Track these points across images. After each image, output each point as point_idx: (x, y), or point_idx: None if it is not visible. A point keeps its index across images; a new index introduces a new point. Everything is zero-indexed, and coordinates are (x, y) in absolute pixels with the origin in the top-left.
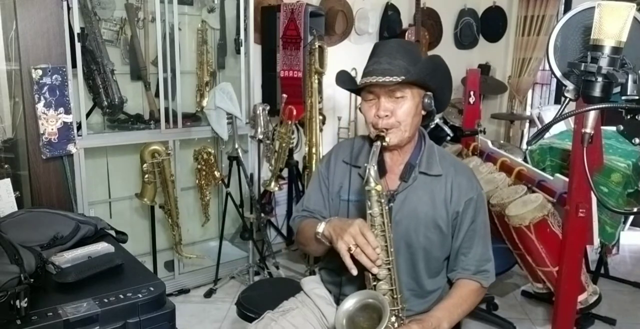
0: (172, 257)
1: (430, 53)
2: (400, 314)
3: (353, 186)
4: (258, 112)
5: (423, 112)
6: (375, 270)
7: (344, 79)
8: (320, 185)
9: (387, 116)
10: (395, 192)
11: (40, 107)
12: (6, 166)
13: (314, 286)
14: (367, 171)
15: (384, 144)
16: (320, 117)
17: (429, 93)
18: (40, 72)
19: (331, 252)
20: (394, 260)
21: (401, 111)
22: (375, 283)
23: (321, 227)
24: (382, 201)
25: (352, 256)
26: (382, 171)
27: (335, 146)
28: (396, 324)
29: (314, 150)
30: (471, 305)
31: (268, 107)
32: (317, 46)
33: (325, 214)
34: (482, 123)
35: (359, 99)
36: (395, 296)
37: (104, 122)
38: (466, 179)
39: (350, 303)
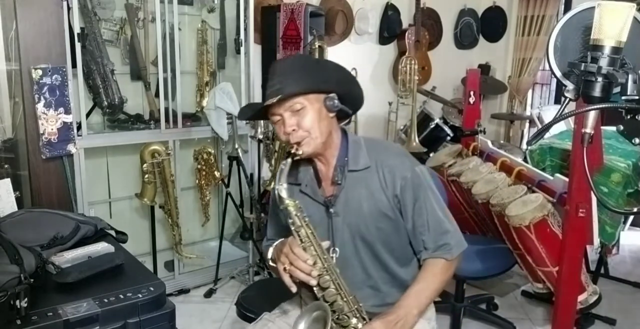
0: (172, 257)
1: (430, 53)
2: (360, 314)
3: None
4: None
5: (331, 114)
6: (313, 282)
7: (247, 112)
8: (276, 211)
9: (294, 130)
10: (331, 197)
11: (40, 107)
12: (6, 166)
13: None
14: (277, 191)
15: (295, 158)
16: None
17: (331, 95)
18: (40, 72)
19: None
20: (332, 266)
21: (305, 121)
22: (322, 293)
23: (270, 253)
24: (299, 214)
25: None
26: (318, 180)
27: None
28: (360, 325)
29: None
30: (440, 283)
31: None
32: (317, 46)
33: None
34: (482, 123)
35: None
36: (345, 299)
37: (104, 122)
38: (397, 160)
39: (301, 324)
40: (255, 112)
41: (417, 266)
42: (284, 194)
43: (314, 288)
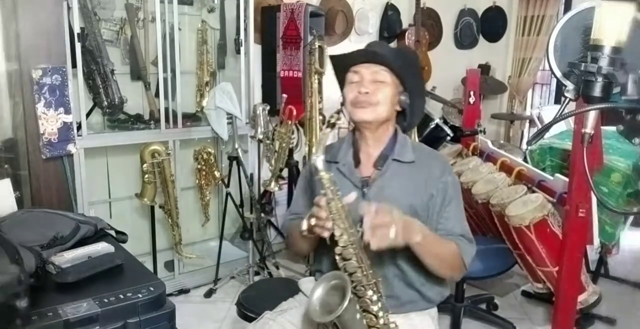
0: (172, 257)
1: (430, 53)
2: (376, 288)
3: None
4: (258, 112)
5: (397, 108)
6: (325, 234)
7: (338, 56)
8: (305, 187)
9: (367, 93)
10: (368, 178)
11: (40, 107)
12: (6, 166)
13: (311, 286)
14: (314, 162)
15: (336, 127)
16: (320, 117)
17: (406, 92)
18: (40, 72)
19: (319, 254)
20: (357, 240)
21: (381, 93)
22: (344, 263)
23: (304, 225)
24: (332, 188)
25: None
26: (357, 160)
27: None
28: (375, 297)
29: (313, 150)
30: (447, 253)
31: (268, 107)
32: (317, 46)
33: None
34: (482, 123)
35: None
36: (365, 273)
37: (104, 122)
38: (440, 163)
39: (319, 290)
40: (343, 59)
41: (428, 271)
42: (319, 165)
43: (337, 257)
